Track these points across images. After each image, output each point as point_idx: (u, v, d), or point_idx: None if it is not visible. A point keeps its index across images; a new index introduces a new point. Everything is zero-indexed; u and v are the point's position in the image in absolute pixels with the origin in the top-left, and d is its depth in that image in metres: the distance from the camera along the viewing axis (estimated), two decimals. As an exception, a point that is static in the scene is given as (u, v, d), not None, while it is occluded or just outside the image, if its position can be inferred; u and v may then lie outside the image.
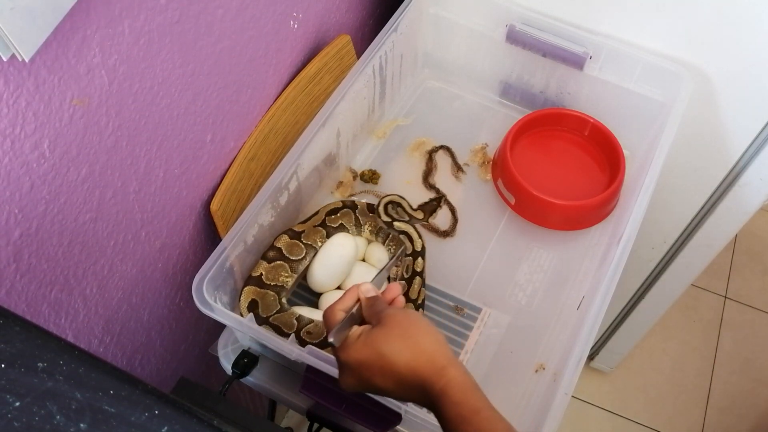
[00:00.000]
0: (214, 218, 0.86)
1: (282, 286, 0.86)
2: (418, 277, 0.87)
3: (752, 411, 1.77)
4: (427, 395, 0.58)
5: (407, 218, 0.92)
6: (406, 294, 0.86)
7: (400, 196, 0.93)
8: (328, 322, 0.64)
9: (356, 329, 0.62)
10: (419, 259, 0.88)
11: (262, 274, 0.84)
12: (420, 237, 0.90)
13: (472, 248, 0.98)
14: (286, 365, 0.84)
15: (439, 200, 0.95)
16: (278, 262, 0.86)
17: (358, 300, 0.64)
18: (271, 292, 0.84)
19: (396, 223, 0.90)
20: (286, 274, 0.87)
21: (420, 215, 0.93)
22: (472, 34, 1.08)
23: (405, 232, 0.90)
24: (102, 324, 0.77)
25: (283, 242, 0.87)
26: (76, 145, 0.61)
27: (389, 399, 0.68)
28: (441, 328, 0.89)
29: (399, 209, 0.93)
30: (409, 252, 0.89)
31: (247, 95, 0.86)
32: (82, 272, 0.69)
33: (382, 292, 0.66)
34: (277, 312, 0.83)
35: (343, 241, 0.91)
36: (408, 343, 0.59)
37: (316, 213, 0.92)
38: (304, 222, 0.91)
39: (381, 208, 0.91)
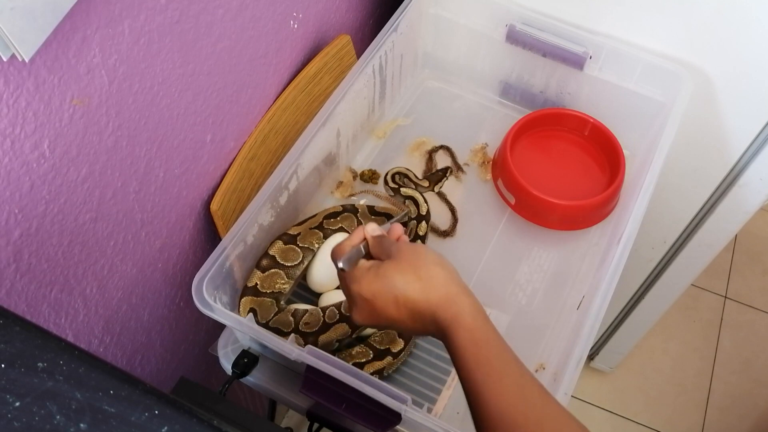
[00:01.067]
0: (214, 218, 0.86)
1: (279, 292, 0.86)
2: (419, 241, 0.90)
3: (752, 411, 1.77)
4: (438, 323, 0.59)
5: (414, 187, 0.96)
6: None
7: (407, 168, 0.97)
8: (336, 254, 0.64)
9: (365, 262, 0.63)
10: (423, 222, 0.91)
11: (257, 284, 0.84)
12: (426, 202, 0.93)
13: (472, 248, 0.98)
14: (286, 365, 0.84)
15: (445, 171, 0.98)
16: (272, 270, 0.86)
17: (365, 239, 0.65)
18: (268, 299, 0.84)
19: (403, 189, 0.94)
20: (282, 281, 0.86)
21: (425, 183, 0.97)
22: (472, 34, 1.08)
23: (411, 197, 0.93)
24: (102, 324, 0.77)
25: (276, 249, 0.87)
26: (76, 145, 0.61)
27: (389, 399, 0.68)
28: (441, 328, 0.89)
29: (405, 180, 0.96)
30: (414, 216, 0.92)
31: (247, 95, 0.86)
32: (82, 272, 0.69)
33: (386, 233, 0.67)
34: (275, 315, 0.83)
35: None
36: (420, 273, 0.60)
37: (313, 216, 0.92)
38: (300, 224, 0.91)
39: (388, 177, 0.96)
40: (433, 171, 0.99)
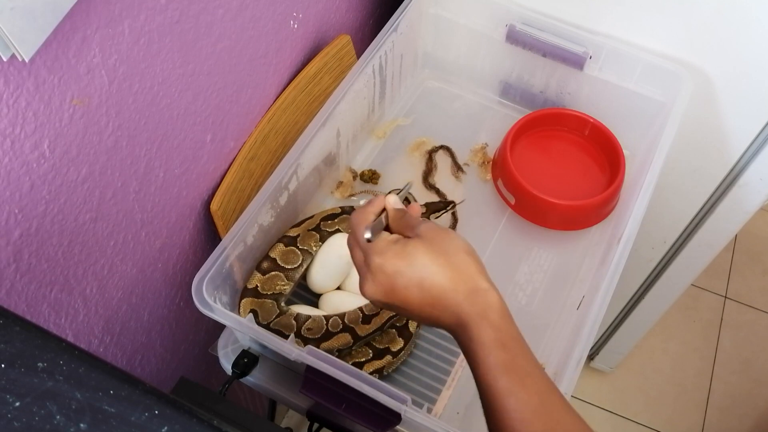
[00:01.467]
0: (214, 218, 0.86)
1: (280, 293, 0.86)
2: None
3: (752, 411, 1.77)
4: (461, 316, 0.55)
5: None
6: None
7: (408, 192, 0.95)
8: (358, 221, 0.61)
9: (389, 234, 0.60)
10: None
11: (257, 285, 0.84)
12: None
13: (472, 248, 0.98)
14: (286, 365, 0.84)
15: (447, 204, 0.96)
16: (273, 272, 0.86)
17: (384, 210, 0.62)
18: (269, 301, 0.84)
19: None
20: (283, 283, 0.86)
21: (423, 209, 0.94)
22: (472, 34, 1.08)
23: None
24: (102, 324, 0.77)
25: (278, 252, 0.87)
26: (76, 145, 0.61)
27: (389, 399, 0.68)
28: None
29: (404, 202, 0.94)
30: None
31: (247, 95, 0.86)
32: (82, 272, 0.69)
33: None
34: (276, 317, 0.83)
35: (341, 241, 0.90)
36: (452, 260, 0.56)
37: (311, 217, 0.92)
38: (298, 226, 0.90)
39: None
40: (435, 201, 0.97)
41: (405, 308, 0.58)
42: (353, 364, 0.81)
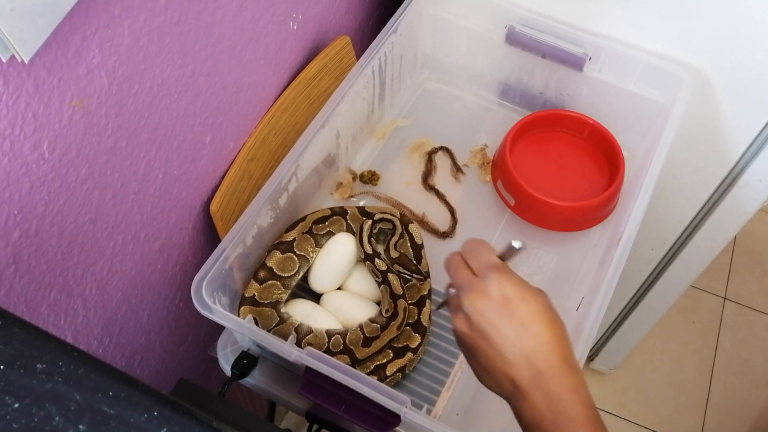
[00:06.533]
0: (213, 219, 0.86)
1: (277, 301, 0.86)
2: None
3: (752, 412, 1.77)
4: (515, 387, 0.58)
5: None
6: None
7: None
8: (482, 243, 0.66)
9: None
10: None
11: (255, 294, 0.84)
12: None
13: (471, 249, 0.98)
14: (285, 366, 0.84)
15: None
16: (270, 282, 0.85)
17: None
18: (267, 309, 0.84)
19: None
20: (279, 291, 0.86)
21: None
22: (472, 35, 1.09)
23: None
24: (101, 325, 0.77)
25: (274, 260, 0.86)
26: (75, 146, 0.61)
27: (388, 401, 0.68)
28: (441, 329, 0.89)
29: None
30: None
31: (247, 96, 0.86)
32: (82, 273, 0.69)
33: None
34: (276, 325, 0.83)
35: (344, 241, 0.90)
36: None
37: (303, 219, 0.91)
38: (292, 228, 0.89)
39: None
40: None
41: (496, 333, 0.60)
42: (375, 367, 0.81)
